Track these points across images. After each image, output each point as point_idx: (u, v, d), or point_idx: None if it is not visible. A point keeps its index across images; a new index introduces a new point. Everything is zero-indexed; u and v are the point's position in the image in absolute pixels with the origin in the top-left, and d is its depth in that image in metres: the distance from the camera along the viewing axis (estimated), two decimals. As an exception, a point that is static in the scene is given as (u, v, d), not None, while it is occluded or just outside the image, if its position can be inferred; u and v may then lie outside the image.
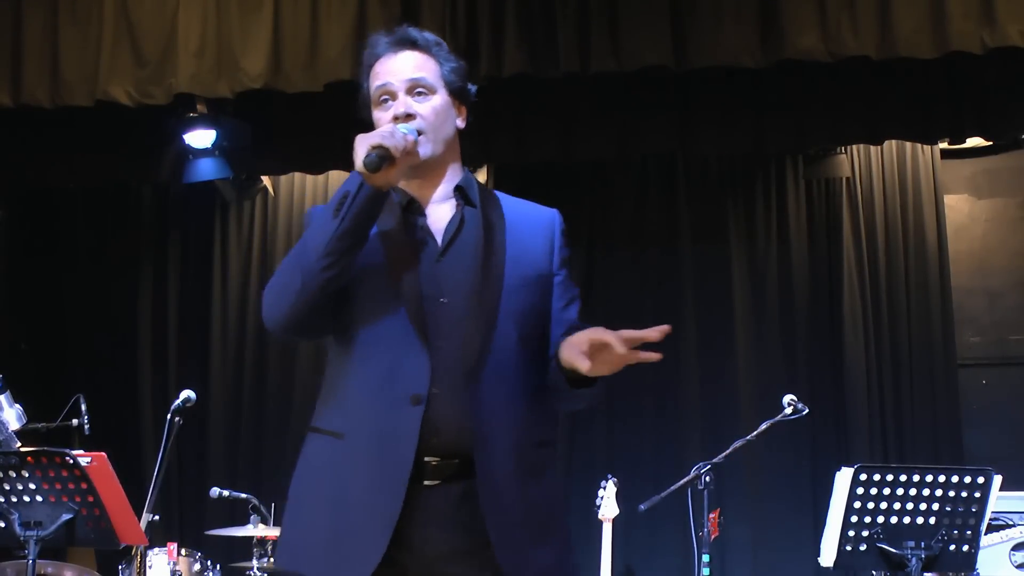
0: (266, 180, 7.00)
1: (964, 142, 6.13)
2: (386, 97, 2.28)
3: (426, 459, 2.10)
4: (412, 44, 2.30)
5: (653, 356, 2.06)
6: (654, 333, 2.02)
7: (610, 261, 6.71)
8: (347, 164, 6.97)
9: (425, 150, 2.23)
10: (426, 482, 2.11)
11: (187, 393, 4.73)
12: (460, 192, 2.30)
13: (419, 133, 2.21)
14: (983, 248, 6.68)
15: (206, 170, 6.06)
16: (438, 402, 2.11)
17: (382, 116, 2.27)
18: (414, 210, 2.27)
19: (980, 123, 5.74)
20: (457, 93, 2.32)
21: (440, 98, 2.28)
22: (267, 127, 6.02)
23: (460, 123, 2.34)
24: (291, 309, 2.15)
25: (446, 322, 2.16)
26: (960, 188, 6.73)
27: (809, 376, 6.43)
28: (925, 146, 6.48)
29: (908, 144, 6.48)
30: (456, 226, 2.26)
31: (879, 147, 6.49)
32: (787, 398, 4.62)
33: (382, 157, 2.09)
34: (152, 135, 5.99)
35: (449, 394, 2.12)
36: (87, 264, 7.07)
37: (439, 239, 2.25)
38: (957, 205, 6.70)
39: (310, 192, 6.99)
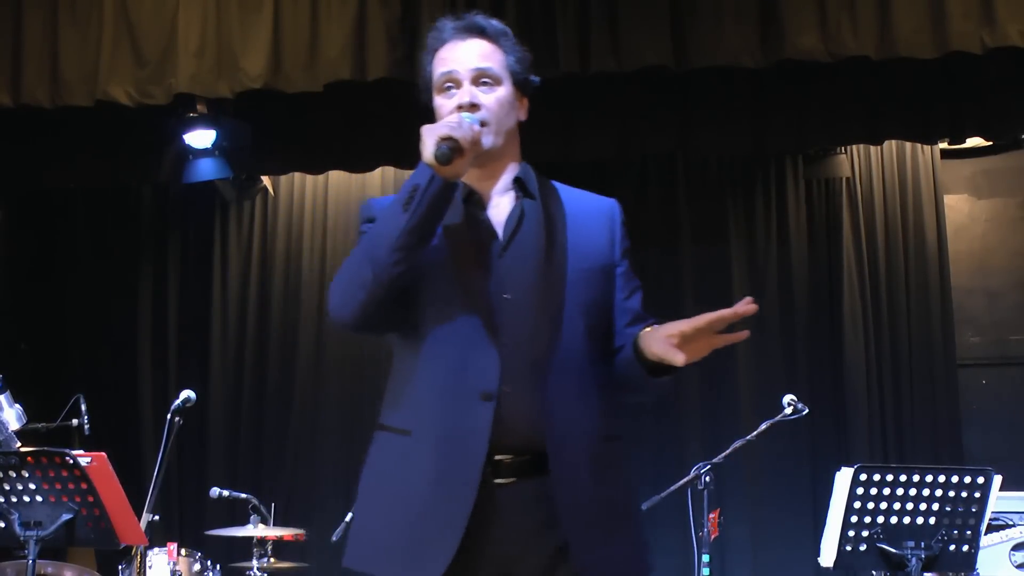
0: (266, 180, 7.00)
1: (964, 142, 6.14)
2: (450, 84, 2.24)
3: (497, 457, 2.08)
4: (480, 32, 2.27)
5: (741, 335, 2.06)
6: (742, 308, 2.01)
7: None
8: (347, 165, 6.95)
9: (487, 141, 2.19)
10: (498, 480, 2.08)
11: (187, 393, 4.73)
12: (519, 184, 2.27)
13: (482, 124, 2.18)
14: (983, 248, 6.68)
15: (206, 170, 6.06)
16: (508, 399, 2.08)
17: (445, 103, 2.24)
18: (475, 203, 2.23)
19: (980, 123, 5.75)
20: (521, 84, 2.30)
21: (505, 89, 2.25)
22: (267, 127, 6.02)
23: (522, 115, 2.32)
24: (361, 304, 2.11)
25: (511, 318, 2.13)
26: (960, 188, 6.73)
27: (809, 376, 6.43)
28: (925, 146, 6.48)
29: (908, 144, 6.49)
30: (517, 219, 2.22)
31: (879, 147, 6.49)
32: (787, 398, 4.62)
33: (453, 149, 2.06)
34: (152, 135, 5.99)
35: (519, 391, 2.09)
36: (87, 264, 7.07)
37: (500, 233, 2.22)
38: (957, 205, 6.70)
39: (310, 192, 6.99)
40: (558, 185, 2.36)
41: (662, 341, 2.05)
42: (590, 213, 2.32)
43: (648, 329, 2.13)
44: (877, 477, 3.63)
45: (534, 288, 2.16)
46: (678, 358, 2.02)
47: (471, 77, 2.23)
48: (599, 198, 2.38)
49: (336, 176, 6.85)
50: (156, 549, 4.64)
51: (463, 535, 2.04)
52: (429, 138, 2.08)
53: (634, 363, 2.15)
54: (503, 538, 2.08)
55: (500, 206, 2.25)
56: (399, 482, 2.13)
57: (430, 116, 2.28)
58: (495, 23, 2.30)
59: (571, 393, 2.13)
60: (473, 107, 2.20)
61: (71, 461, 3.57)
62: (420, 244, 2.09)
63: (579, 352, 2.16)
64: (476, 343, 2.10)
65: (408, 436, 2.14)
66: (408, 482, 2.11)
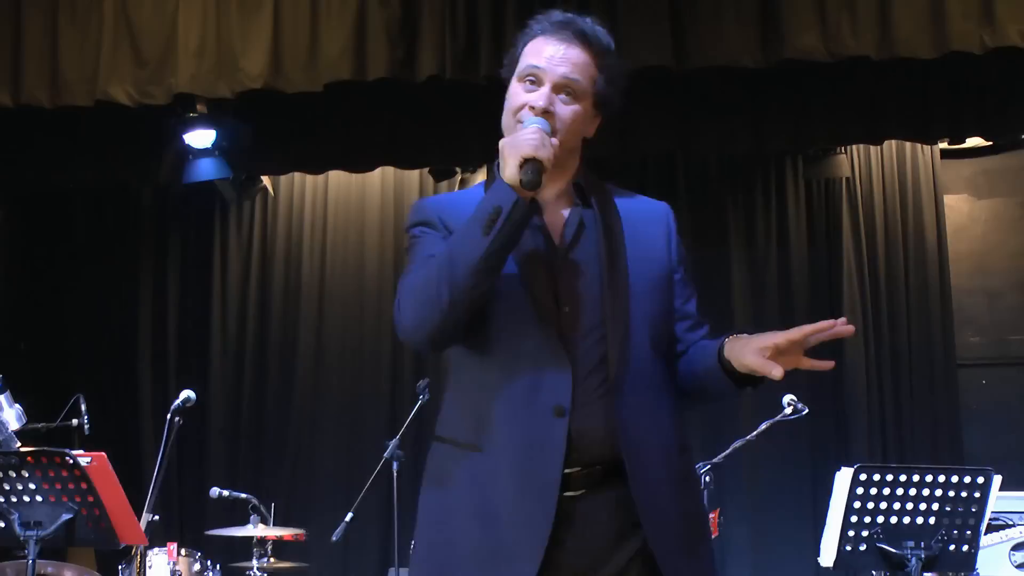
0: (266, 180, 7.00)
1: (964, 142, 6.14)
2: (532, 78, 2.15)
3: (566, 471, 2.05)
4: (582, 37, 2.16)
5: (828, 364, 2.02)
6: (841, 328, 1.97)
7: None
8: (347, 165, 6.92)
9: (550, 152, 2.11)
10: (568, 493, 2.05)
11: (187, 393, 4.73)
12: (578, 190, 2.22)
13: (552, 133, 2.10)
14: (983, 248, 6.69)
15: (206, 170, 6.06)
16: (579, 414, 2.05)
17: (520, 93, 2.15)
18: (533, 210, 2.12)
19: (980, 123, 5.75)
20: (602, 104, 2.20)
21: (583, 106, 2.16)
22: (267, 127, 6.02)
23: (590, 132, 2.23)
24: (438, 326, 2.07)
25: (570, 331, 2.09)
26: (960, 188, 6.73)
27: (809, 376, 6.39)
28: (925, 146, 6.48)
29: (908, 144, 6.49)
30: (576, 228, 2.17)
31: (879, 147, 6.49)
32: (787, 398, 4.62)
33: (539, 171, 2.00)
34: (152, 135, 5.99)
35: (589, 405, 2.06)
36: (87, 264, 7.07)
37: (556, 242, 2.16)
38: (957, 205, 6.70)
39: (310, 192, 7.00)
40: (612, 188, 2.30)
41: (756, 353, 2.01)
42: (646, 219, 2.26)
43: (733, 338, 2.09)
44: (877, 477, 3.63)
45: (597, 300, 2.12)
46: (776, 372, 1.96)
47: (554, 83, 2.14)
48: (653, 203, 2.32)
49: (336, 176, 6.85)
50: (156, 549, 4.63)
51: (547, 546, 2.02)
52: (512, 157, 2.02)
53: (718, 374, 2.11)
54: (583, 550, 2.06)
55: (557, 215, 2.19)
56: (473, 498, 2.08)
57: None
58: (601, 34, 2.19)
59: (645, 407, 2.11)
60: (546, 113, 2.12)
61: (71, 461, 3.57)
62: (500, 267, 2.05)
63: (647, 364, 2.13)
64: (548, 358, 2.07)
65: (479, 452, 2.09)
66: (483, 498, 2.07)
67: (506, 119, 2.18)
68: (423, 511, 2.17)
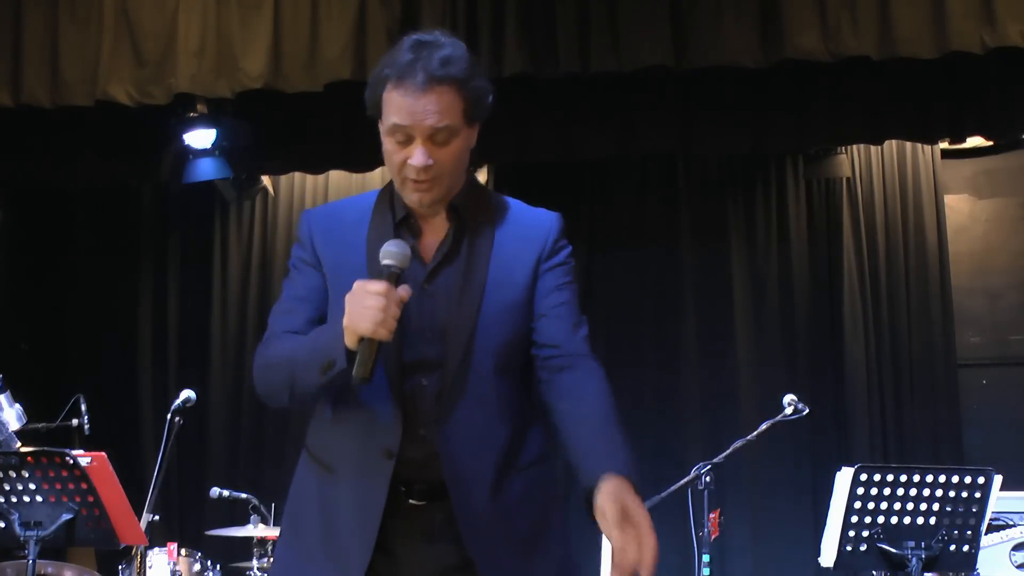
0: (266, 180, 7.00)
1: (964, 142, 6.14)
2: (401, 137, 2.12)
3: (404, 487, 2.16)
4: (438, 81, 2.09)
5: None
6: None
7: (610, 261, 6.71)
8: (347, 165, 6.93)
9: (435, 197, 2.17)
10: (412, 501, 2.17)
11: (187, 393, 4.73)
12: (454, 211, 2.22)
13: (435, 179, 2.13)
14: (983, 248, 6.68)
15: (206, 170, 6.06)
16: (410, 448, 2.14)
17: (393, 149, 2.14)
18: (409, 227, 2.20)
19: (980, 123, 5.75)
20: (476, 116, 2.19)
21: (462, 140, 2.16)
22: (267, 127, 6.02)
23: (471, 142, 2.23)
24: (285, 405, 2.28)
25: (429, 357, 2.16)
26: (960, 188, 6.73)
27: (809, 376, 6.43)
28: (925, 146, 6.48)
29: (908, 144, 6.49)
30: (447, 250, 2.19)
31: (879, 147, 6.49)
32: (787, 398, 4.62)
33: (371, 360, 2.02)
34: (152, 135, 5.99)
35: (426, 432, 2.15)
36: (87, 264, 7.07)
37: (427, 264, 2.19)
38: (957, 205, 6.70)
39: (310, 192, 6.99)
40: (500, 202, 2.29)
41: (602, 518, 2.01)
42: (522, 238, 2.24)
43: (607, 492, 2.01)
44: (877, 477, 3.63)
45: (445, 325, 2.15)
46: (614, 542, 1.96)
47: (425, 136, 2.10)
48: (538, 217, 2.28)
49: (336, 176, 6.85)
50: (156, 549, 4.63)
51: (383, 549, 2.15)
52: (349, 333, 2.04)
53: (581, 493, 2.08)
54: (419, 555, 2.17)
55: (434, 234, 2.22)
56: (320, 511, 2.24)
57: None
58: (456, 63, 2.12)
59: (476, 432, 2.15)
60: (428, 169, 2.11)
61: (71, 461, 3.57)
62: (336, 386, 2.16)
63: (488, 391, 2.16)
64: (382, 400, 2.15)
65: (331, 473, 2.23)
66: (331, 508, 2.22)
67: (390, 171, 2.20)
68: (285, 512, 2.35)
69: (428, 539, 2.17)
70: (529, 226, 2.27)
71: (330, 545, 2.21)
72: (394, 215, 2.22)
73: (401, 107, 2.10)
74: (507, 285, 2.20)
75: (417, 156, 2.11)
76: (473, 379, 2.15)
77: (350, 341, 2.04)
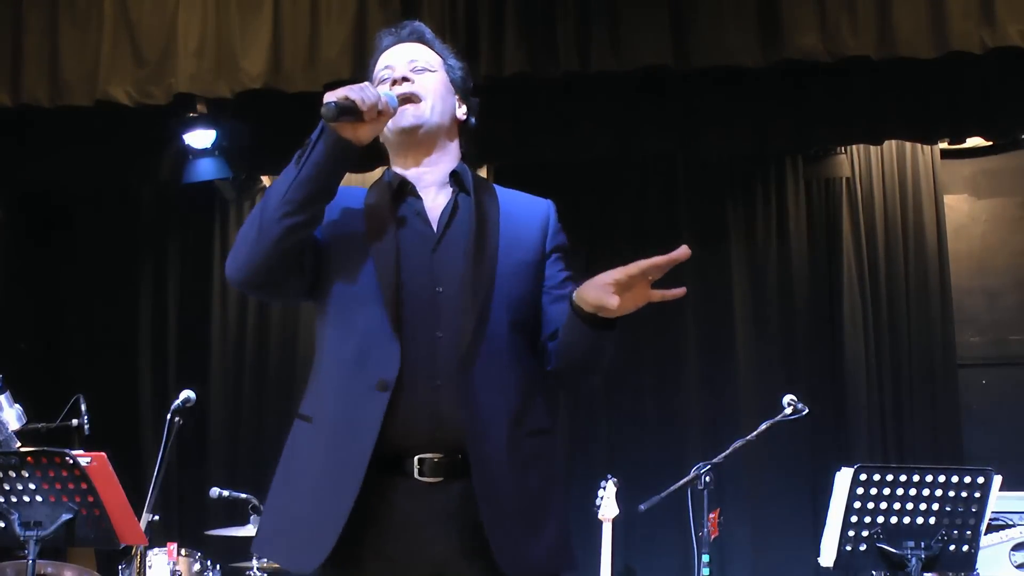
0: (266, 180, 7.00)
1: (964, 142, 6.14)
2: (387, 75, 2.29)
3: (422, 456, 2.08)
4: (418, 37, 2.36)
5: (678, 292, 2.09)
6: (677, 254, 2.05)
7: (610, 261, 6.66)
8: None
9: (423, 114, 2.25)
10: (426, 479, 2.09)
11: (187, 393, 4.73)
12: (455, 178, 2.29)
13: (417, 100, 2.24)
14: (983, 248, 6.68)
15: (206, 170, 6.06)
16: (439, 393, 2.09)
17: (381, 88, 2.25)
18: (409, 192, 2.26)
19: (980, 123, 5.75)
20: (457, 84, 2.35)
21: (440, 75, 2.31)
22: (267, 127, 6.01)
23: (460, 114, 2.35)
24: (248, 259, 2.13)
25: (445, 311, 2.15)
26: (960, 188, 6.73)
27: (809, 376, 6.43)
28: (925, 146, 6.48)
29: (908, 144, 6.49)
30: (450, 213, 2.24)
31: (879, 147, 6.49)
32: (787, 398, 4.62)
33: (342, 108, 2.08)
34: (152, 135, 5.99)
35: (451, 384, 2.10)
36: (87, 264, 7.07)
37: (435, 226, 2.24)
38: (957, 205, 6.70)
39: (310, 192, 6.98)
40: (496, 187, 2.37)
41: (597, 288, 2.06)
42: (525, 211, 2.33)
43: (590, 280, 2.11)
44: (877, 477, 3.63)
45: (463, 281, 2.16)
46: (611, 301, 2.02)
47: (406, 64, 2.29)
48: (536, 199, 2.39)
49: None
50: (156, 549, 4.63)
51: (388, 531, 2.07)
52: (327, 99, 2.10)
53: (572, 320, 2.14)
54: (427, 536, 2.09)
55: (435, 199, 2.28)
56: (296, 471, 2.16)
57: None
58: (429, 34, 2.38)
59: (495, 388, 2.13)
60: (405, 80, 2.25)
61: (71, 461, 3.57)
62: (311, 201, 2.12)
63: (505, 346, 2.17)
64: (379, 334, 2.11)
65: (310, 423, 2.17)
66: (303, 471, 2.14)
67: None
68: (272, 481, 2.27)
69: (439, 517, 2.09)
70: (530, 202, 2.37)
71: (295, 518, 2.13)
72: (391, 185, 2.28)
73: (383, 58, 2.34)
74: (517, 246, 2.25)
75: (396, 72, 2.28)
76: (492, 330, 2.16)
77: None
